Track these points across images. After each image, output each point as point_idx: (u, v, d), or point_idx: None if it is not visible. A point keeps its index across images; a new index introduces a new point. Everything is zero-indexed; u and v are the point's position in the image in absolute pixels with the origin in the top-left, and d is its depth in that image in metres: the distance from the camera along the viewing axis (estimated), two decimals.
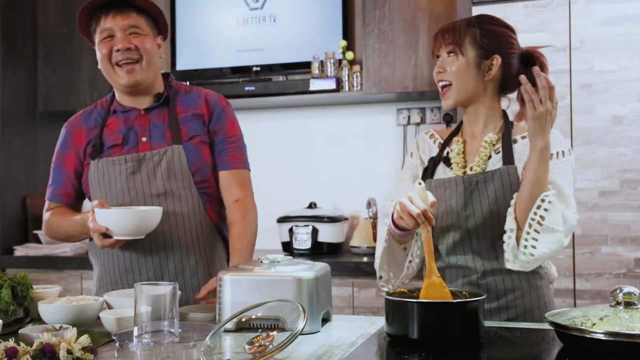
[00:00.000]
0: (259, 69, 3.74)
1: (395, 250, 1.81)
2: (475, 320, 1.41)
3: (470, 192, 1.75)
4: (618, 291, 1.35)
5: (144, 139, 1.95)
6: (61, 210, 2.04)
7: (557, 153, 1.71)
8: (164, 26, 2.02)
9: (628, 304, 1.34)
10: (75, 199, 2.07)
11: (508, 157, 1.74)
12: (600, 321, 1.30)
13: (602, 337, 1.24)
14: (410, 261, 1.80)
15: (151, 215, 1.81)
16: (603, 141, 2.77)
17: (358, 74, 3.52)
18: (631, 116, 2.77)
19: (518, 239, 1.65)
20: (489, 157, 1.78)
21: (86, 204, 2.04)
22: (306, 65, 3.67)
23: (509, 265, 1.66)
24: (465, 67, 1.77)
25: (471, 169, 1.79)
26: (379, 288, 1.86)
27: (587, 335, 1.26)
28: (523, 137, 1.77)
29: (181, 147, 1.93)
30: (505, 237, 1.68)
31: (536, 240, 1.62)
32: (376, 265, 1.84)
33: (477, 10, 2.94)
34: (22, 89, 3.85)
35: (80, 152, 2.01)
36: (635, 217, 2.74)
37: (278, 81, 3.69)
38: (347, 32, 3.70)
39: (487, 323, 1.63)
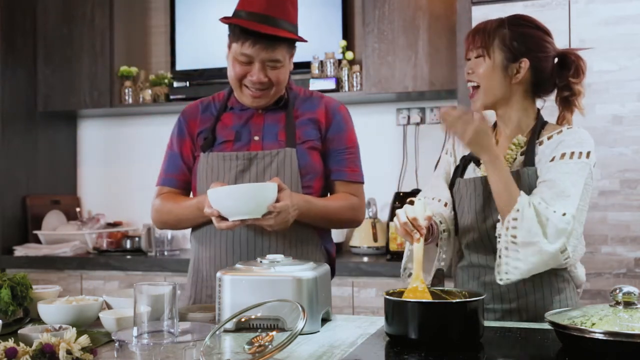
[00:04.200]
0: None
1: (428, 246, 1.81)
2: (475, 320, 1.41)
3: (488, 194, 1.74)
4: (618, 291, 1.35)
5: (256, 138, 1.94)
6: (172, 196, 2.00)
7: (572, 153, 1.69)
8: (300, 39, 1.98)
9: (628, 304, 1.34)
10: (189, 186, 2.03)
11: (529, 159, 1.74)
12: (600, 321, 1.30)
13: (601, 336, 1.24)
14: (437, 265, 1.81)
15: (266, 190, 1.73)
16: (603, 141, 2.77)
17: (358, 73, 3.53)
18: (631, 116, 2.77)
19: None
20: (515, 159, 1.77)
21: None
22: (306, 65, 3.66)
23: (498, 280, 1.64)
24: (492, 71, 1.76)
25: None
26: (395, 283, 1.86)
27: (587, 335, 1.26)
28: (549, 138, 1.75)
29: (294, 150, 1.90)
30: (496, 244, 1.69)
31: (518, 259, 1.61)
32: (404, 261, 1.85)
33: (476, 10, 2.93)
34: (22, 89, 3.85)
35: (194, 139, 2.00)
36: (635, 217, 2.74)
37: None
38: (347, 32, 3.70)
39: (495, 323, 1.64)
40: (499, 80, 1.76)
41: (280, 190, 1.76)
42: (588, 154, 1.70)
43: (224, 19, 1.91)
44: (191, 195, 2.04)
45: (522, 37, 1.76)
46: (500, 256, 1.65)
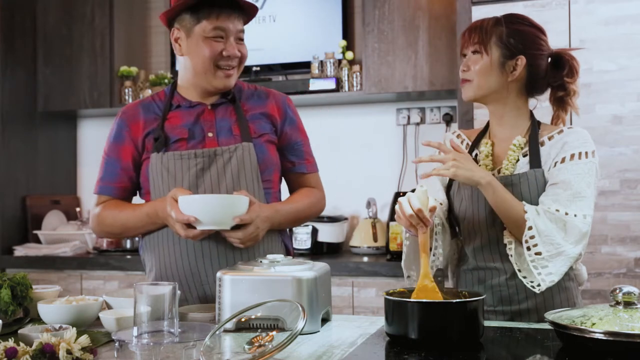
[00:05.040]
0: (258, 68, 3.74)
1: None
2: (475, 320, 1.41)
3: None
4: (618, 291, 1.35)
5: (210, 134, 1.90)
6: (115, 203, 1.94)
7: (580, 154, 1.70)
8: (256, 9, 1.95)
9: (628, 304, 1.34)
10: (129, 193, 1.98)
11: (535, 161, 1.74)
12: (600, 321, 1.30)
13: (601, 336, 1.24)
14: (434, 260, 1.81)
15: (239, 203, 1.74)
16: (603, 141, 2.77)
17: (358, 73, 3.53)
18: (631, 116, 2.77)
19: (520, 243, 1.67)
20: (517, 160, 1.77)
21: (136, 199, 2.00)
22: (306, 65, 3.67)
23: (538, 289, 1.63)
24: (489, 67, 1.76)
25: (499, 172, 1.78)
26: (379, 289, 1.86)
27: (587, 335, 1.26)
28: (550, 139, 1.76)
29: (251, 144, 1.88)
30: (507, 250, 1.69)
31: (550, 273, 1.62)
32: (403, 266, 1.85)
33: (476, 10, 2.93)
34: (22, 89, 3.85)
35: (138, 144, 1.92)
36: (635, 216, 2.74)
37: (278, 81, 3.69)
38: (347, 32, 3.70)
39: (496, 323, 1.64)
40: (495, 78, 1.77)
41: (249, 204, 1.77)
42: (593, 152, 1.73)
43: (168, 13, 1.87)
44: (136, 198, 1.99)
45: (519, 34, 1.77)
46: (524, 275, 1.66)
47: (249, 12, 1.92)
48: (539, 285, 1.63)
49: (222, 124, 1.92)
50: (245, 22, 1.93)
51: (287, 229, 2.07)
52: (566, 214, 1.64)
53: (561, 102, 1.83)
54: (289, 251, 2.04)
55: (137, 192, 2.00)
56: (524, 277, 1.66)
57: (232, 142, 1.89)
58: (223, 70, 1.87)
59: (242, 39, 1.90)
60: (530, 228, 1.62)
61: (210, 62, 1.86)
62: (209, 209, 1.71)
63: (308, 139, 2.07)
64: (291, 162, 2.01)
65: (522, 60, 1.75)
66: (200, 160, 1.86)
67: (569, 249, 1.63)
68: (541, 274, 1.62)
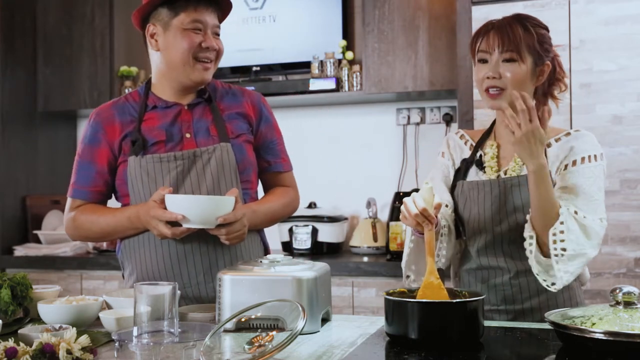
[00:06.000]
0: (258, 68, 3.74)
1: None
2: (475, 320, 1.41)
3: (504, 196, 1.74)
4: (618, 291, 1.35)
5: (187, 135, 1.88)
6: (92, 208, 1.91)
7: (589, 157, 1.71)
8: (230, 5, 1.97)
9: (628, 304, 1.34)
10: (105, 196, 1.94)
11: None
12: (600, 321, 1.30)
13: (601, 336, 1.24)
14: (437, 262, 1.80)
15: (225, 203, 1.73)
16: (603, 141, 2.75)
17: (358, 73, 3.53)
18: (631, 116, 2.77)
19: (541, 245, 1.65)
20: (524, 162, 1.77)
21: (110, 203, 1.97)
22: (306, 65, 3.67)
23: (553, 288, 1.63)
24: (525, 75, 1.73)
25: (505, 173, 1.77)
26: (379, 289, 1.86)
27: (587, 335, 1.26)
28: (557, 140, 1.76)
29: (229, 145, 1.87)
30: (526, 244, 1.67)
31: (568, 272, 1.62)
32: (403, 265, 1.85)
33: (476, 10, 2.93)
34: (22, 89, 3.85)
35: (114, 147, 1.89)
36: (635, 216, 2.74)
37: (278, 81, 3.69)
38: (347, 32, 3.70)
39: (495, 323, 1.64)
40: (528, 85, 1.75)
41: (235, 202, 1.76)
42: (602, 155, 1.74)
43: (143, 8, 1.89)
44: (110, 200, 1.97)
45: (544, 38, 1.76)
46: (537, 272, 1.64)
47: (224, 9, 1.93)
48: (553, 284, 1.63)
49: (199, 124, 1.90)
50: (220, 20, 1.93)
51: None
52: (584, 217, 1.64)
53: (549, 96, 1.84)
54: (267, 250, 2.05)
55: (113, 195, 1.97)
56: (538, 274, 1.65)
57: (210, 143, 1.88)
58: (201, 63, 1.86)
59: (218, 34, 1.90)
60: (562, 223, 1.61)
61: (188, 54, 1.85)
62: (196, 208, 1.70)
63: (282, 137, 2.05)
64: (267, 161, 2.00)
65: (548, 67, 1.76)
66: (180, 163, 1.85)
67: (591, 252, 1.64)
68: (560, 271, 1.61)
